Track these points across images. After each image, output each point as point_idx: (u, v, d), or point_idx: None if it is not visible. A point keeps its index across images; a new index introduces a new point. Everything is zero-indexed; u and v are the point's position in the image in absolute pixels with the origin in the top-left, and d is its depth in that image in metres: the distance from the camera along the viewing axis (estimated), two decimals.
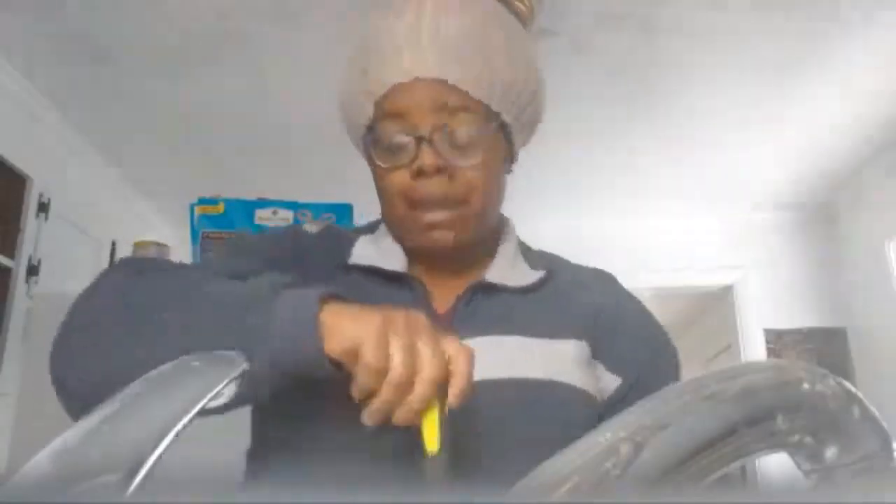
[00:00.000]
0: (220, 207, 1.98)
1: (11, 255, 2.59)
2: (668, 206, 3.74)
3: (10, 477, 0.32)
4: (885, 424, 0.38)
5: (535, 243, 0.87)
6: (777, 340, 3.69)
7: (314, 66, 2.49)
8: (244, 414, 0.66)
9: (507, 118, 0.73)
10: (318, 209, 1.97)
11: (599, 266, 0.85)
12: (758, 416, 0.36)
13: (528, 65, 0.75)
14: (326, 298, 0.55)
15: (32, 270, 2.65)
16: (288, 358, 0.53)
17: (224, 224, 1.97)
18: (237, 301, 0.55)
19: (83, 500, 0.31)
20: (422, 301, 0.73)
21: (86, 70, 2.50)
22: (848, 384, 0.39)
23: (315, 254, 0.77)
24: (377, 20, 0.73)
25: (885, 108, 2.86)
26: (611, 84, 2.64)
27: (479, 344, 0.70)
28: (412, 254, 0.77)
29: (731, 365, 0.40)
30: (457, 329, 0.71)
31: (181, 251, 2.23)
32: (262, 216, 1.96)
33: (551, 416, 0.68)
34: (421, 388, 0.50)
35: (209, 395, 0.43)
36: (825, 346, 3.65)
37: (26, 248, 2.64)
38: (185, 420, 0.38)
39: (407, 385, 0.50)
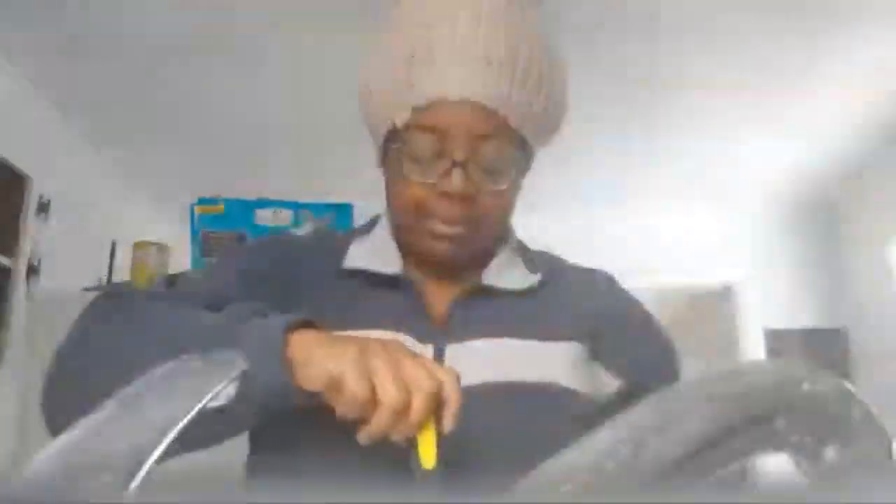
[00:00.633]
0: (220, 207, 1.98)
1: (11, 255, 2.59)
2: (668, 205, 3.74)
3: (11, 476, 0.32)
4: (884, 424, 0.38)
5: (535, 243, 0.87)
6: (777, 340, 3.69)
7: (315, 66, 2.49)
8: None
9: (533, 145, 0.73)
10: (318, 209, 1.97)
11: (599, 266, 0.85)
12: (758, 416, 0.36)
13: (564, 92, 0.74)
14: (295, 328, 0.54)
15: (32, 270, 2.65)
16: (258, 394, 0.52)
17: (224, 224, 1.97)
18: (203, 339, 0.54)
19: (83, 500, 0.31)
20: (417, 304, 0.73)
21: (86, 70, 2.50)
22: (848, 384, 0.39)
23: (307, 259, 0.77)
24: (424, 13, 0.69)
25: (885, 108, 2.85)
26: (610, 84, 2.64)
27: (474, 347, 0.70)
28: (408, 256, 0.77)
29: (731, 365, 0.40)
30: (452, 332, 0.71)
31: (181, 251, 2.23)
32: (262, 216, 1.96)
33: (546, 418, 0.67)
34: (419, 406, 0.50)
35: (209, 396, 0.43)
36: (825, 346, 3.65)
37: (26, 249, 2.64)
38: (185, 420, 0.38)
39: (404, 408, 0.50)
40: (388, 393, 0.50)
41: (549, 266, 0.81)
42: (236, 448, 0.73)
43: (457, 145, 0.67)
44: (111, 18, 2.24)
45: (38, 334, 2.01)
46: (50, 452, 0.34)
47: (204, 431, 0.56)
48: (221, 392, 0.45)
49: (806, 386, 0.37)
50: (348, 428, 0.53)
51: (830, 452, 0.36)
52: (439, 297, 0.74)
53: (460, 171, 0.67)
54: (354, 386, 0.50)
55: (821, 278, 3.75)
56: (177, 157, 3.18)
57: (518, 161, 0.71)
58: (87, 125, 2.88)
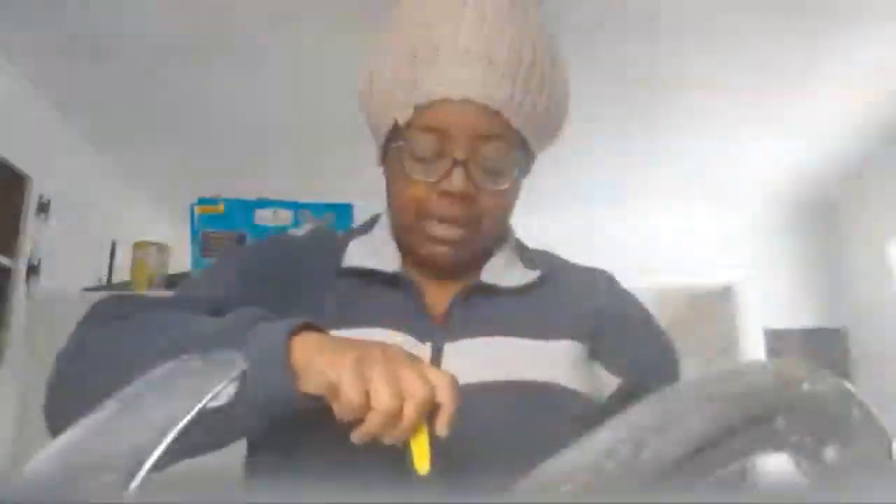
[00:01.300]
0: (220, 207, 1.98)
1: (11, 255, 2.59)
2: (668, 205, 3.74)
3: (10, 476, 0.32)
4: (885, 424, 0.38)
5: (534, 242, 0.87)
6: (777, 340, 3.69)
7: (315, 66, 2.49)
8: None
9: (534, 146, 0.73)
10: (318, 209, 1.97)
11: (599, 266, 0.85)
12: (758, 416, 0.36)
13: (566, 93, 0.74)
14: (297, 331, 0.55)
15: (32, 270, 2.65)
16: (262, 400, 0.53)
17: (224, 224, 1.97)
18: (206, 345, 0.55)
19: (83, 500, 0.31)
20: (416, 303, 0.73)
21: (86, 70, 2.50)
22: (848, 384, 0.39)
23: (307, 259, 0.77)
24: (427, 11, 0.69)
25: (885, 108, 2.86)
26: (611, 84, 2.64)
27: (473, 345, 0.70)
28: (408, 255, 0.77)
29: (731, 365, 0.40)
30: (451, 330, 0.71)
31: (181, 251, 2.23)
32: (262, 216, 1.96)
33: (545, 417, 0.67)
34: (410, 413, 0.51)
35: (209, 396, 0.43)
36: (825, 346, 3.65)
37: (26, 248, 2.64)
38: (186, 420, 0.38)
39: (396, 414, 0.51)
40: (381, 400, 0.50)
41: (548, 265, 0.81)
42: (236, 448, 0.73)
43: (458, 145, 0.67)
44: (111, 18, 2.24)
45: (38, 334, 2.01)
46: (50, 452, 0.34)
47: (207, 436, 0.56)
48: (221, 392, 0.45)
49: (806, 386, 0.37)
50: (345, 427, 0.53)
51: (830, 452, 0.36)
52: (438, 296, 0.74)
53: (461, 171, 0.67)
54: (350, 393, 0.51)
55: (821, 278, 3.75)
56: (177, 157, 3.18)
57: (519, 162, 0.71)
58: (87, 125, 2.89)
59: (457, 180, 0.67)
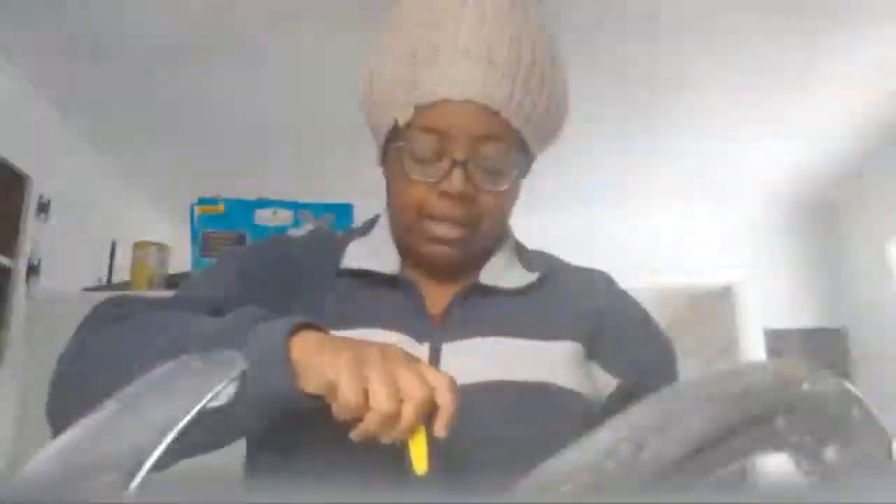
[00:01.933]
0: (220, 207, 1.98)
1: (11, 255, 2.59)
2: (668, 205, 3.74)
3: (10, 476, 0.32)
4: (885, 424, 0.38)
5: (534, 243, 0.87)
6: (777, 340, 3.69)
7: (315, 66, 2.49)
8: None
9: (534, 147, 0.73)
10: (318, 209, 1.97)
11: (599, 266, 0.85)
12: (758, 416, 0.36)
13: (565, 90, 0.74)
14: (297, 330, 0.55)
15: (32, 270, 2.65)
16: (262, 399, 0.53)
17: (224, 224, 1.97)
18: (207, 345, 0.55)
19: (83, 500, 0.31)
20: (415, 303, 0.73)
21: (86, 70, 2.50)
22: (848, 384, 0.39)
23: (306, 259, 0.77)
24: (428, 12, 0.69)
25: (885, 108, 2.86)
26: (611, 84, 2.64)
27: (471, 346, 0.70)
28: (407, 255, 0.77)
29: (731, 365, 0.40)
30: (449, 330, 0.71)
31: (181, 251, 2.23)
32: (262, 216, 1.96)
33: (543, 417, 0.68)
34: (408, 414, 0.51)
35: (209, 395, 0.43)
36: (825, 346, 3.65)
37: (26, 248, 2.64)
38: (185, 420, 0.38)
39: (394, 414, 0.51)
40: (379, 401, 0.51)
41: (547, 266, 0.81)
42: (236, 448, 0.73)
43: (458, 145, 0.67)
44: (111, 18, 2.24)
45: (38, 334, 2.01)
46: (50, 452, 0.34)
47: (207, 436, 0.56)
48: (221, 392, 0.45)
49: (806, 386, 0.37)
50: (344, 427, 0.53)
51: (830, 452, 0.36)
52: (437, 297, 0.75)
53: (461, 171, 0.67)
54: (348, 392, 0.51)
55: (821, 278, 3.75)
56: (177, 157, 3.18)
57: (518, 162, 0.71)
58: (87, 125, 2.89)
59: (456, 181, 0.67)
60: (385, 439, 0.52)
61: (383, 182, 0.77)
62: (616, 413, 0.40)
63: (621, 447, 0.34)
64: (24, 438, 1.84)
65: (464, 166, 0.67)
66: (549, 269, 0.80)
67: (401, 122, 0.69)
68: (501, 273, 0.77)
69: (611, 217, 3.80)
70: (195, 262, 1.95)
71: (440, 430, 0.52)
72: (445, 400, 0.52)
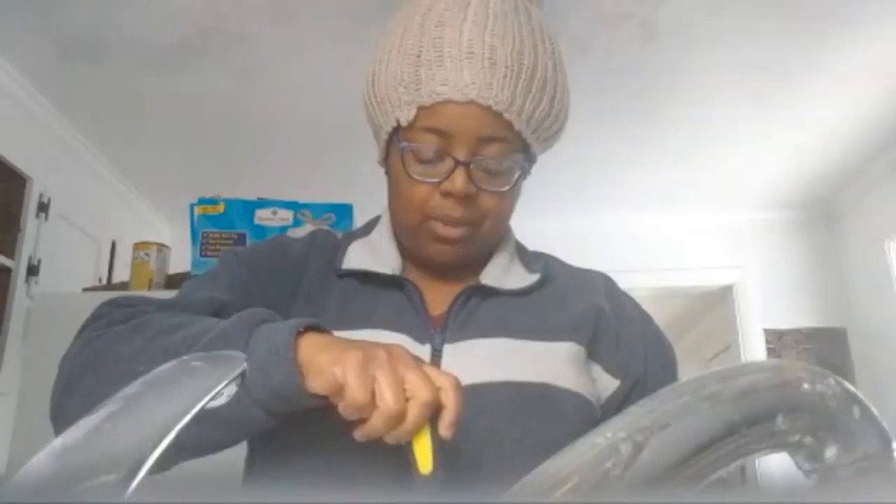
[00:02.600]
0: (220, 207, 1.98)
1: (11, 255, 2.59)
2: (669, 205, 3.74)
3: (10, 477, 0.32)
4: (885, 424, 0.38)
5: (534, 243, 0.87)
6: (777, 340, 3.69)
7: (315, 65, 2.49)
8: None
9: (535, 149, 0.74)
10: (318, 209, 1.97)
11: (599, 266, 0.86)
12: (758, 416, 0.36)
13: (566, 94, 0.75)
14: (302, 331, 0.55)
15: (32, 270, 2.65)
16: (269, 398, 0.54)
17: (224, 224, 1.97)
18: (213, 347, 0.55)
19: (83, 500, 0.31)
20: (415, 304, 0.73)
21: (85, 70, 2.50)
22: (848, 384, 0.39)
23: (307, 260, 0.77)
24: (431, 14, 0.70)
25: (885, 108, 2.85)
26: (611, 85, 2.64)
27: (473, 346, 0.71)
28: (408, 257, 0.77)
29: (731, 365, 0.40)
30: (450, 331, 0.71)
31: (181, 251, 2.24)
32: (262, 216, 1.96)
33: (545, 418, 0.68)
34: (414, 414, 0.51)
35: (209, 395, 0.42)
36: (825, 346, 3.65)
37: (26, 248, 2.64)
38: (185, 420, 0.38)
39: (400, 414, 0.51)
40: (386, 400, 0.51)
41: (547, 267, 0.81)
42: (236, 448, 0.73)
43: (460, 146, 0.67)
44: (111, 19, 2.24)
45: (38, 334, 2.01)
46: (49, 452, 0.34)
47: (212, 436, 0.56)
48: (221, 392, 0.45)
49: (806, 386, 0.37)
50: (344, 428, 0.53)
51: (830, 452, 0.36)
52: (438, 298, 0.75)
53: (463, 172, 0.68)
54: (356, 391, 0.51)
55: (821, 278, 3.75)
56: (177, 157, 3.18)
57: (520, 163, 0.71)
58: (87, 125, 2.88)
59: (459, 181, 0.67)
60: (390, 439, 0.52)
61: (383, 182, 0.77)
62: (616, 413, 0.40)
63: (621, 447, 0.35)
64: (24, 438, 1.84)
65: (466, 167, 0.67)
66: (550, 270, 0.81)
67: (403, 123, 0.69)
68: (502, 274, 0.77)
69: (611, 217, 3.80)
70: (195, 262, 1.95)
71: (446, 430, 0.52)
72: (451, 400, 0.52)
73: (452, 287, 0.75)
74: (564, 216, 3.71)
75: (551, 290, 0.78)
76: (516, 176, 0.71)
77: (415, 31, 0.70)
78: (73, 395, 0.60)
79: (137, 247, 2.09)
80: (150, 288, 2.01)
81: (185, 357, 0.49)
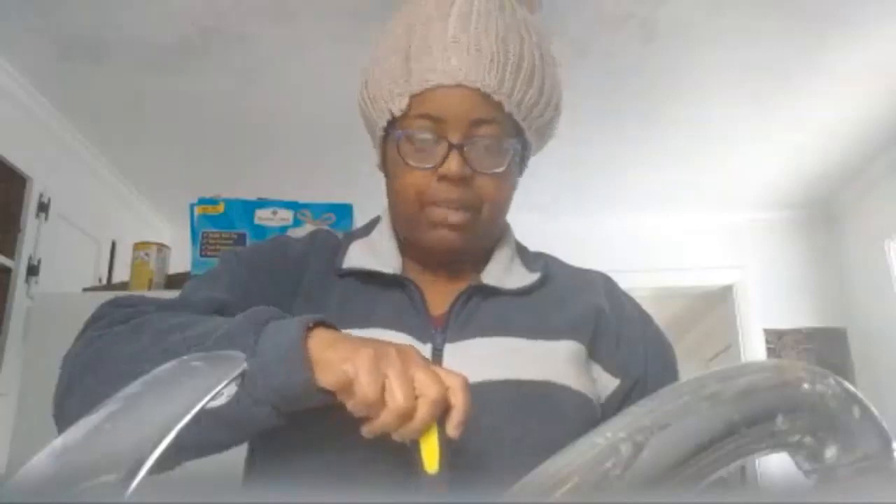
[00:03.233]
0: (220, 207, 1.98)
1: (11, 255, 2.59)
2: (669, 205, 3.74)
3: (10, 477, 0.32)
4: (885, 424, 0.38)
5: (535, 243, 0.87)
6: (777, 340, 3.69)
7: (315, 65, 2.49)
8: None
9: (529, 134, 0.75)
10: (318, 209, 1.97)
11: (600, 266, 0.86)
12: (758, 416, 0.36)
13: (556, 83, 0.76)
14: (311, 327, 0.56)
15: (32, 270, 2.65)
16: (278, 395, 0.54)
17: (224, 224, 1.97)
18: (220, 346, 0.55)
19: (83, 500, 0.31)
20: (417, 304, 0.73)
21: (85, 70, 2.50)
22: (848, 384, 0.39)
23: (307, 259, 0.77)
24: (418, 15, 0.73)
25: (885, 108, 2.85)
26: (611, 85, 2.64)
27: (474, 346, 0.71)
28: (409, 256, 0.77)
29: (731, 365, 0.40)
30: (451, 331, 0.72)
31: (181, 251, 2.23)
32: (262, 216, 1.96)
33: (545, 417, 0.68)
34: (423, 412, 0.51)
35: (209, 396, 0.43)
36: (825, 346, 3.65)
37: (26, 248, 2.64)
38: (185, 420, 0.38)
39: (409, 412, 0.51)
40: (395, 398, 0.51)
41: (547, 266, 0.81)
42: (236, 448, 0.73)
43: (453, 129, 0.69)
44: (111, 19, 2.24)
45: (38, 334, 2.01)
46: (50, 452, 0.34)
47: (212, 435, 0.56)
48: (222, 392, 0.45)
49: (806, 386, 0.37)
50: (348, 424, 0.53)
51: (830, 452, 0.36)
52: (439, 297, 0.75)
53: (458, 154, 0.69)
54: (367, 388, 0.51)
55: (821, 278, 3.75)
56: (177, 157, 3.18)
57: (514, 147, 0.73)
58: (87, 125, 2.88)
59: (454, 164, 0.69)
60: (398, 437, 0.52)
61: (383, 182, 0.78)
62: (616, 413, 0.40)
63: (621, 447, 0.35)
64: (24, 438, 1.84)
65: (460, 150, 0.69)
66: (550, 270, 0.81)
67: (396, 112, 0.71)
68: (503, 273, 0.77)
69: (611, 217, 3.80)
70: (195, 263, 1.95)
71: (454, 429, 0.52)
72: (459, 400, 0.52)
73: (453, 287, 0.75)
74: (565, 216, 3.72)
75: (551, 289, 0.78)
76: (510, 158, 0.72)
77: (403, 31, 0.73)
78: (73, 395, 0.60)
79: (137, 247, 2.09)
80: (150, 288, 2.01)
81: (185, 357, 0.49)
